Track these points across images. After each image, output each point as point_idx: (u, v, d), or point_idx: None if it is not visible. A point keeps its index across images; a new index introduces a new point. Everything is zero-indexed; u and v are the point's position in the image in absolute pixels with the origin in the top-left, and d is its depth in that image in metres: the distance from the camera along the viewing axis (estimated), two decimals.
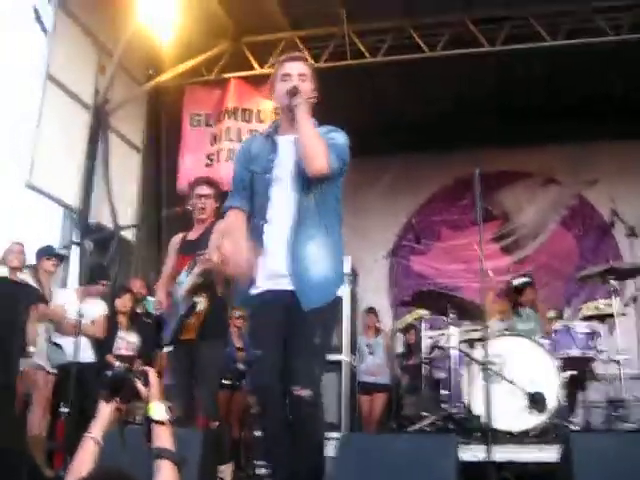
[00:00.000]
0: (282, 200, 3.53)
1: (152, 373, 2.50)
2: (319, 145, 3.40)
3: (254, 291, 3.53)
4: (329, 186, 3.53)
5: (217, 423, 4.78)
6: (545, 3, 8.47)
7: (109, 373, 2.55)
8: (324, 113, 3.70)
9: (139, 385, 2.46)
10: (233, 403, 7.91)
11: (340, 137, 3.57)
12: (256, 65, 9.35)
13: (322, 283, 3.46)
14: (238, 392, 7.94)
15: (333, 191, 3.58)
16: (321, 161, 3.38)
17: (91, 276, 7.01)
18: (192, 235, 5.30)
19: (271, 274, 3.49)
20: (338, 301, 3.72)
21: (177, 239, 5.39)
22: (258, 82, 9.22)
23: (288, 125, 3.56)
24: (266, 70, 9.05)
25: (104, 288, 7.07)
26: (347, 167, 3.57)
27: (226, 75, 9.51)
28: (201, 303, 4.96)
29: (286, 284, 3.44)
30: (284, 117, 3.64)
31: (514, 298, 7.37)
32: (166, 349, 5.48)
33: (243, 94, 9.48)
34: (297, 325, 3.41)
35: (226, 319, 5.35)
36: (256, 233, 3.56)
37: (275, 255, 3.49)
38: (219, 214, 5.14)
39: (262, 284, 3.50)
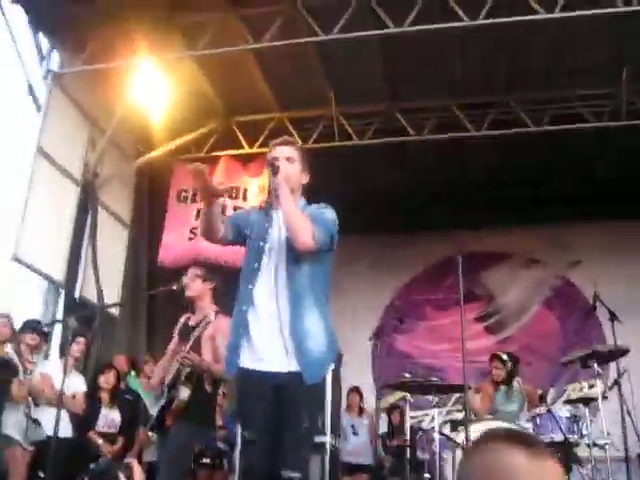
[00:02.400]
0: (271, 272, 3.56)
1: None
2: (302, 221, 3.46)
3: (243, 365, 3.48)
4: (319, 260, 3.57)
5: None
6: (528, 90, 8.75)
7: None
8: (311, 191, 3.79)
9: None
10: None
11: (328, 212, 3.64)
12: (245, 144, 9.52)
13: (320, 358, 3.46)
14: (218, 471, 7.83)
15: (323, 266, 3.61)
16: (305, 236, 3.43)
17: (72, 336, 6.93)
18: (193, 320, 5.25)
19: (261, 353, 3.44)
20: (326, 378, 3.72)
21: (181, 321, 5.37)
22: (247, 161, 9.38)
23: (278, 203, 3.63)
24: (255, 149, 9.23)
25: (83, 346, 7.01)
26: (336, 242, 3.62)
27: (215, 153, 9.65)
28: (182, 393, 4.86)
29: (278, 364, 3.42)
30: (275, 197, 3.73)
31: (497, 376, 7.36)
32: (151, 434, 5.42)
33: (231, 172, 9.58)
34: (287, 406, 3.39)
35: (210, 410, 5.19)
36: (245, 300, 3.58)
37: (266, 332, 3.46)
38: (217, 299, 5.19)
39: (251, 362, 3.45)
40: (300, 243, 3.44)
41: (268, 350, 3.44)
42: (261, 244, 3.61)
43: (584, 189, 10.26)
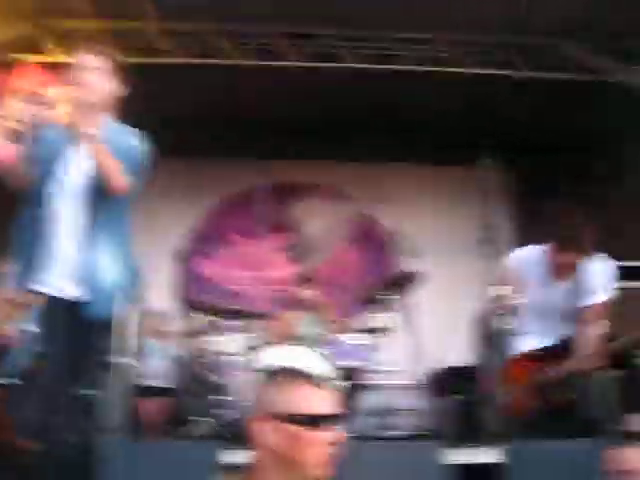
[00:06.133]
0: (70, 204, 3.41)
1: None
2: (114, 169, 3.32)
3: (42, 288, 3.39)
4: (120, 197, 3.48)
5: None
6: (349, 28, 8.80)
7: None
8: (129, 109, 3.62)
9: None
10: None
11: (136, 143, 3.50)
12: (54, 51, 8.97)
13: (110, 292, 3.39)
14: None
15: (124, 201, 3.52)
16: (118, 183, 3.31)
17: None
18: None
19: (58, 277, 3.38)
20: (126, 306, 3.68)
21: None
22: (55, 69, 8.83)
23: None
24: (65, 58, 8.71)
25: None
26: (144, 175, 3.51)
27: (20, 56, 8.99)
28: None
29: (72, 292, 3.34)
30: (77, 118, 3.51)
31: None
32: None
33: (34, 78, 8.99)
34: (82, 329, 3.33)
35: None
36: (39, 225, 3.41)
37: (62, 261, 3.41)
38: None
39: (49, 285, 3.40)
40: (112, 190, 3.32)
41: (63, 278, 3.44)
42: (58, 176, 3.43)
43: (398, 130, 10.55)
